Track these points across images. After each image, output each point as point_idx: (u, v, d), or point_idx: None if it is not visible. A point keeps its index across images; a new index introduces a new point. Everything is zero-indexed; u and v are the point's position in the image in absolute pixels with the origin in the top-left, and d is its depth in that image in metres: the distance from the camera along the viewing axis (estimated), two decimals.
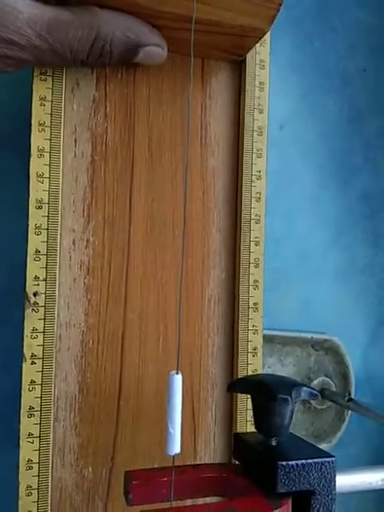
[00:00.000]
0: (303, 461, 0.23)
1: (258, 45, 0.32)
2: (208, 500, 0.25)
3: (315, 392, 0.24)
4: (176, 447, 0.22)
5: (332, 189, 0.51)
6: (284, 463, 0.22)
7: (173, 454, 0.22)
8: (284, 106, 0.48)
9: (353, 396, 0.48)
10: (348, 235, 0.51)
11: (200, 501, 0.25)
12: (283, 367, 0.47)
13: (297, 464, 0.23)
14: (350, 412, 0.48)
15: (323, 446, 0.47)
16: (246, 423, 0.31)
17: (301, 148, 0.49)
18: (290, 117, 0.49)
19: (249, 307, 0.32)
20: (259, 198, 0.32)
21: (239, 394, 0.31)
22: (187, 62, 0.31)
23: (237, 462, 0.26)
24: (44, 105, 0.27)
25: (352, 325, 0.51)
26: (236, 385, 0.25)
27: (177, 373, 0.23)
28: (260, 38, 0.29)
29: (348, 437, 0.48)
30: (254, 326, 0.32)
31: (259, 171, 0.32)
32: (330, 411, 0.48)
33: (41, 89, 0.28)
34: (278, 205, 0.47)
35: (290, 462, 0.23)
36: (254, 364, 0.32)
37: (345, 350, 0.48)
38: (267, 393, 0.23)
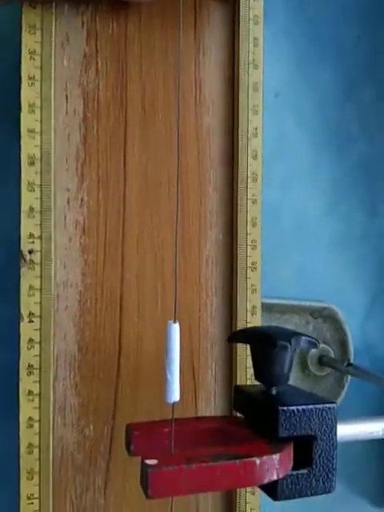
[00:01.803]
0: (304, 406, 0.23)
1: (251, 0, 0.31)
2: None
3: (314, 340, 0.24)
4: (175, 394, 0.22)
5: (328, 157, 0.50)
6: (285, 408, 0.22)
7: (171, 401, 0.22)
8: (279, 73, 0.48)
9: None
10: (345, 203, 0.51)
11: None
12: None
13: (297, 409, 0.23)
14: (349, 379, 0.48)
15: None
16: (246, 381, 0.31)
17: (296, 116, 0.49)
18: (284, 85, 0.48)
19: (247, 267, 0.32)
20: (256, 156, 0.32)
21: (239, 353, 0.31)
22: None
23: (238, 415, 0.26)
24: (34, 58, 0.27)
25: (350, 293, 0.51)
26: (236, 335, 0.25)
27: (174, 322, 0.23)
28: None
29: (347, 403, 0.48)
30: (252, 284, 0.32)
31: (256, 128, 0.31)
32: (329, 378, 0.48)
33: (30, 42, 0.27)
34: (273, 173, 0.47)
35: (291, 407, 0.23)
36: (252, 322, 0.31)
37: (343, 318, 0.48)
38: (267, 340, 0.23)
